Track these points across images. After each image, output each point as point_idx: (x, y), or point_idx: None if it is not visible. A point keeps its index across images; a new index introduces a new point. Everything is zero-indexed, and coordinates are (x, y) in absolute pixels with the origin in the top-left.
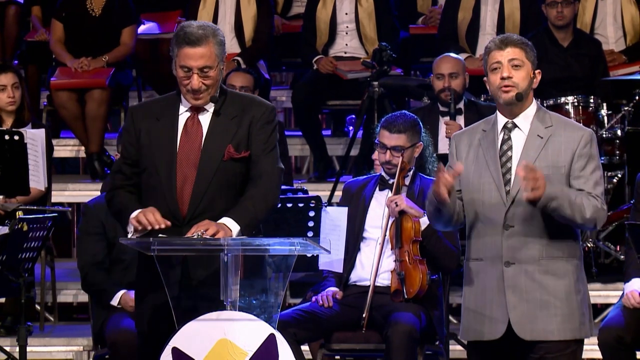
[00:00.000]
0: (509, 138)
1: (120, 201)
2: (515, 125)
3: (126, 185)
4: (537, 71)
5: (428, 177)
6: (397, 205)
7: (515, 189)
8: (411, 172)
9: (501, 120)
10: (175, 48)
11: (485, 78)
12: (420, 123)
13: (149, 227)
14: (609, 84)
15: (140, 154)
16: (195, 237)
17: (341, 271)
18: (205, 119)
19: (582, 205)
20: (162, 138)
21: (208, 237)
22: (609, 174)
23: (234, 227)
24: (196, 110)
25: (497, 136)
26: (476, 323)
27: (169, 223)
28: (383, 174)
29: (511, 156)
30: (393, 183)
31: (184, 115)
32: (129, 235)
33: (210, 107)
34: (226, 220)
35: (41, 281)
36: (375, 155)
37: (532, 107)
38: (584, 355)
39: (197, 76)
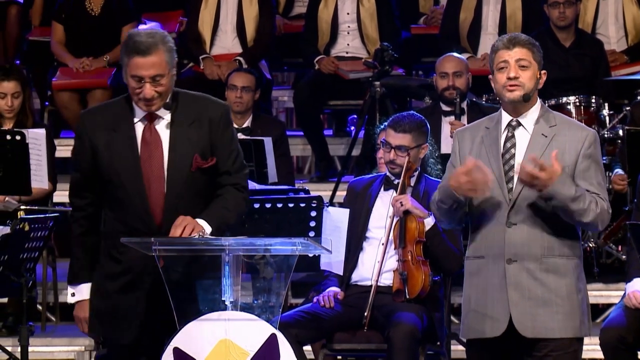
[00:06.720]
0: (513, 136)
1: (77, 254)
2: (519, 124)
3: (87, 214)
4: (542, 72)
5: (431, 177)
6: (402, 205)
7: (517, 187)
8: (417, 172)
9: (505, 118)
10: (125, 58)
11: (490, 76)
12: (428, 125)
13: None
14: (610, 84)
15: (99, 166)
16: (196, 237)
17: (341, 273)
18: (162, 128)
19: (584, 210)
20: (122, 151)
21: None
22: (610, 174)
23: (207, 228)
24: (151, 118)
25: (501, 134)
26: (477, 321)
27: None
28: (388, 174)
29: (514, 154)
30: (398, 183)
31: (139, 125)
32: None
33: (166, 115)
34: (199, 221)
35: (43, 281)
36: (379, 154)
37: (537, 107)
38: (585, 356)
39: (150, 85)
